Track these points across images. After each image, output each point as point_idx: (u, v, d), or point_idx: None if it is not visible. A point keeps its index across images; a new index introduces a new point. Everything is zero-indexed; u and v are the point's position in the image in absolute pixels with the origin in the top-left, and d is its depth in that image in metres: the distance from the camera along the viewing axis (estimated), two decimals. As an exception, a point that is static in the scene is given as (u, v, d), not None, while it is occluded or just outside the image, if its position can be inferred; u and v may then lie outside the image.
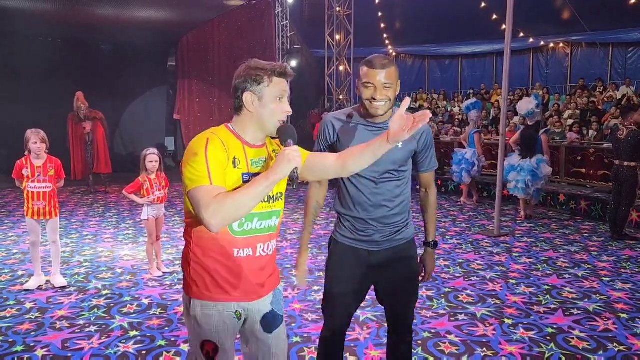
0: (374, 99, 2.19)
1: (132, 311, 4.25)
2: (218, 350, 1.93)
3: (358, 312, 4.09)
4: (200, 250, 1.89)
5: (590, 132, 11.72)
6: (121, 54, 12.22)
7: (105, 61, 12.23)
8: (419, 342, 3.64)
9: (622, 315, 4.11)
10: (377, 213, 2.34)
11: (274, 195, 1.96)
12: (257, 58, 1.95)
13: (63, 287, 4.79)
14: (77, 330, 3.86)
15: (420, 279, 2.57)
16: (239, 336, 2.09)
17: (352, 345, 3.60)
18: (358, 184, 2.35)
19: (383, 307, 2.65)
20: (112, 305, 4.38)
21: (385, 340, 3.63)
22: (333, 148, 2.38)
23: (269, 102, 1.88)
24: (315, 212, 2.51)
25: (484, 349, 3.55)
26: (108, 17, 10.65)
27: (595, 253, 5.95)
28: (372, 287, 2.55)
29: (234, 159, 1.85)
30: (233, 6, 11.87)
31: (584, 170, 9.52)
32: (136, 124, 13.07)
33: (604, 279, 5.02)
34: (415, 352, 3.48)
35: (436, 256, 5.70)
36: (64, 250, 6.04)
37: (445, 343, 3.63)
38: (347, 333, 3.63)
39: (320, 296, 4.56)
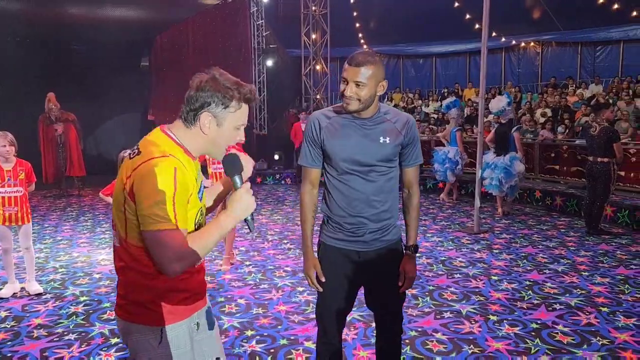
0: (344, 95, 2.21)
1: (112, 317, 4.12)
2: None
3: (344, 312, 4.08)
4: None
5: (562, 129, 11.97)
6: (93, 54, 11.94)
7: (77, 61, 11.94)
8: (407, 341, 3.63)
9: (603, 309, 4.18)
10: (368, 210, 2.30)
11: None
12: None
13: (39, 294, 4.64)
14: (55, 339, 3.73)
15: (400, 284, 2.42)
16: None
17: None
18: (348, 182, 2.30)
19: (368, 309, 2.63)
20: (91, 311, 4.26)
21: (372, 340, 3.63)
22: (320, 144, 2.33)
23: (227, 129, 1.73)
24: (314, 216, 2.44)
25: (471, 346, 3.56)
26: (80, 17, 10.41)
27: (573, 248, 6.05)
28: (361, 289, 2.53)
29: (195, 179, 1.74)
30: (209, 5, 11.72)
31: (557, 167, 9.71)
32: (109, 125, 12.79)
33: (583, 273, 5.10)
34: (403, 351, 3.47)
35: (419, 254, 5.76)
36: (38, 256, 5.85)
37: (432, 341, 3.63)
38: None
39: (305, 297, 4.52)
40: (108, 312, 4.25)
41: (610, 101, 11.82)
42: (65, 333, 3.83)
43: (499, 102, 7.63)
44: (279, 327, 3.92)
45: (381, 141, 2.26)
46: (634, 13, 14.16)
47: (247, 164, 1.88)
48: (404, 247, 2.48)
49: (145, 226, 1.61)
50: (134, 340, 1.78)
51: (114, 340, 3.70)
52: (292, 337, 3.73)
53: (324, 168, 2.39)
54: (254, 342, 3.65)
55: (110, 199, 5.03)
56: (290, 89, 15.38)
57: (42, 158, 10.16)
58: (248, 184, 1.77)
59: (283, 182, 11.95)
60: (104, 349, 3.57)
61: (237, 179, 1.78)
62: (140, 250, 1.70)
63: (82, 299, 4.56)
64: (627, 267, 5.30)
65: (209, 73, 1.72)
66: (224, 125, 1.71)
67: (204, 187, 1.89)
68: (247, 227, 1.80)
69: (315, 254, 2.47)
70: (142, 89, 13.12)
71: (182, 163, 1.66)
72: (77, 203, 9.55)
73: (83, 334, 3.82)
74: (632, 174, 8.33)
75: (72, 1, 9.35)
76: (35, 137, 10.13)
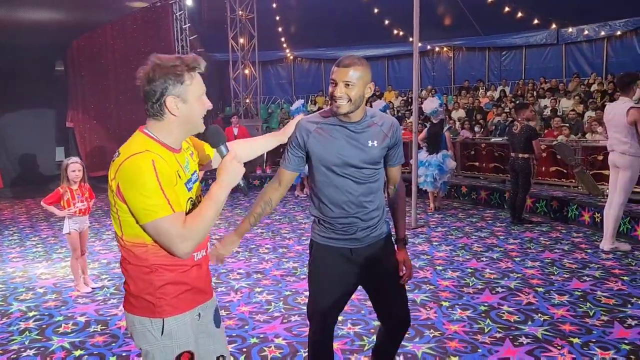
0: (334, 96, 2.25)
1: (69, 330, 3.99)
2: (194, 357, 1.89)
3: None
4: (164, 268, 1.80)
5: (478, 128, 12.85)
6: (5, 59, 11.16)
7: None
8: (372, 330, 3.82)
9: (539, 289, 4.62)
10: (359, 211, 2.36)
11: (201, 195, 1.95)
12: None
13: (-19, 313, 4.37)
14: (13, 356, 3.56)
15: (401, 274, 2.49)
16: None
17: (310, 340, 3.68)
18: (339, 185, 2.34)
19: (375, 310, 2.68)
20: (44, 326, 4.08)
21: (339, 332, 3.79)
22: (307, 150, 2.37)
23: (193, 102, 1.79)
24: (264, 209, 2.44)
25: (431, 330, 3.82)
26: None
27: (502, 237, 6.57)
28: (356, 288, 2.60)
29: (177, 172, 1.79)
30: (136, 8, 11.35)
31: (477, 164, 10.40)
32: (23, 134, 11.97)
33: (516, 259, 5.58)
34: (369, 339, 3.66)
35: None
36: (-33, 273, 5.47)
37: (395, 329, 3.85)
38: (301, 329, 3.72)
39: (265, 297, 4.60)
40: (63, 325, 4.09)
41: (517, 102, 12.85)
42: (22, 349, 3.66)
43: (432, 104, 8.09)
44: (246, 327, 3.97)
45: (369, 145, 2.32)
46: (535, 21, 15.48)
47: (240, 172, 1.85)
48: (395, 241, 2.59)
49: (143, 219, 1.68)
50: (137, 332, 1.84)
51: (77, 353, 3.58)
52: (261, 336, 3.80)
53: (312, 174, 2.43)
54: (224, 343, 3.68)
55: (53, 209, 4.84)
56: (217, 94, 15.22)
57: (-47, 170, 9.40)
58: (233, 152, 1.84)
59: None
60: (68, 363, 3.46)
61: (222, 148, 1.86)
62: (136, 247, 1.78)
63: (30, 314, 4.34)
64: (551, 251, 5.85)
65: (149, 62, 1.77)
66: (189, 99, 1.78)
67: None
68: (241, 191, 1.88)
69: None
70: (58, 95, 12.39)
71: (159, 156, 1.72)
72: (-5, 217, 8.94)
73: (42, 348, 3.67)
74: (543, 168, 9.11)
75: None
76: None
